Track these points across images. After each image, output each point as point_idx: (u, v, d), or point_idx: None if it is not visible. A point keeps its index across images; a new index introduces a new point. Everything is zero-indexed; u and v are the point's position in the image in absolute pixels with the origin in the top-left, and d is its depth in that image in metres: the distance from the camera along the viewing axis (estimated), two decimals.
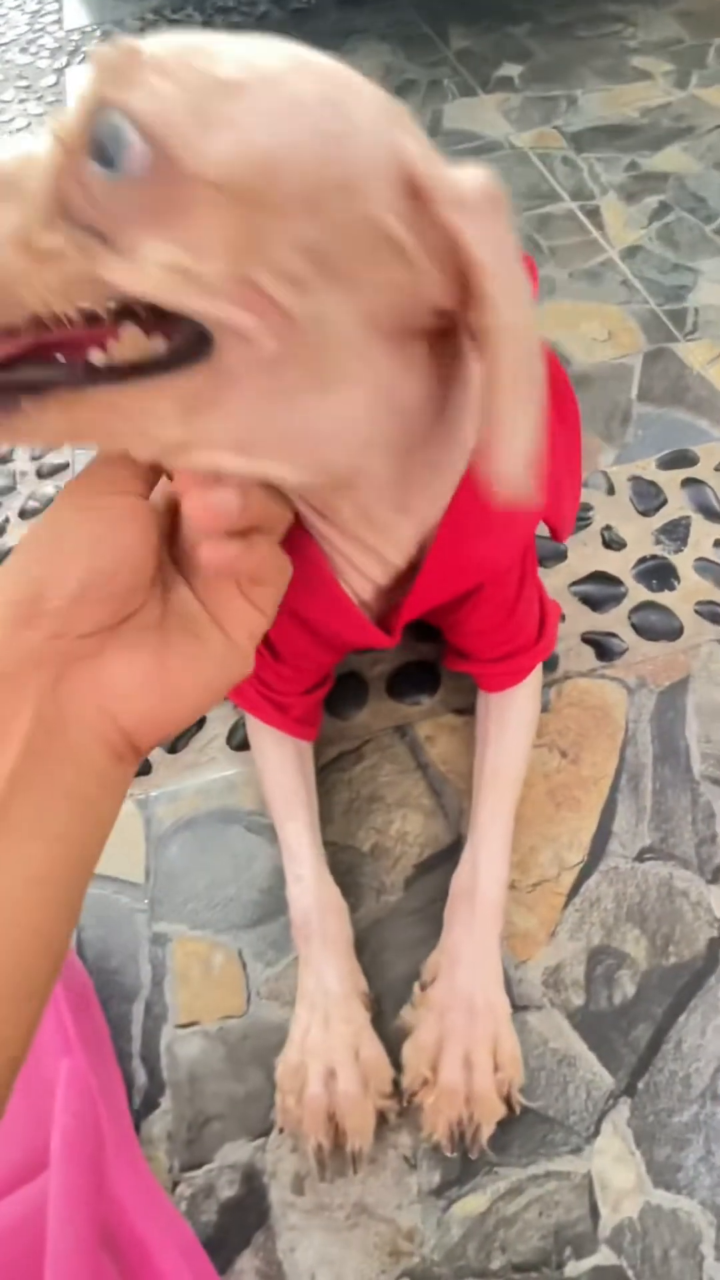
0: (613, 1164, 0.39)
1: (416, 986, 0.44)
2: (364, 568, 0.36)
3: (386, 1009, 0.44)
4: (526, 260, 0.32)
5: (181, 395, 0.23)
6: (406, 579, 0.37)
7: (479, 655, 0.49)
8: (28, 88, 1.31)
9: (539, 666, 0.50)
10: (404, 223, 0.22)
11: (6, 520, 0.72)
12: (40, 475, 0.75)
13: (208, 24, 1.35)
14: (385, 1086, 0.41)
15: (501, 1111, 0.40)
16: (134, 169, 0.20)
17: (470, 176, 0.23)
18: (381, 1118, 0.40)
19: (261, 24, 1.33)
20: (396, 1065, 0.42)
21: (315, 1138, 0.39)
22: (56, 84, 1.30)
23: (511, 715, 0.50)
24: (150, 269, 0.20)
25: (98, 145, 0.20)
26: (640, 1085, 0.41)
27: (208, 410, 0.23)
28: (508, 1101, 0.40)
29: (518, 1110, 0.40)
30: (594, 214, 0.90)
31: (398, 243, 0.22)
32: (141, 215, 0.20)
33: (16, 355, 0.22)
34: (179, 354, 0.22)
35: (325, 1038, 0.41)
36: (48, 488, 0.74)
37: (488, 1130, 0.40)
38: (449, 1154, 0.40)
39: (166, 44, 0.21)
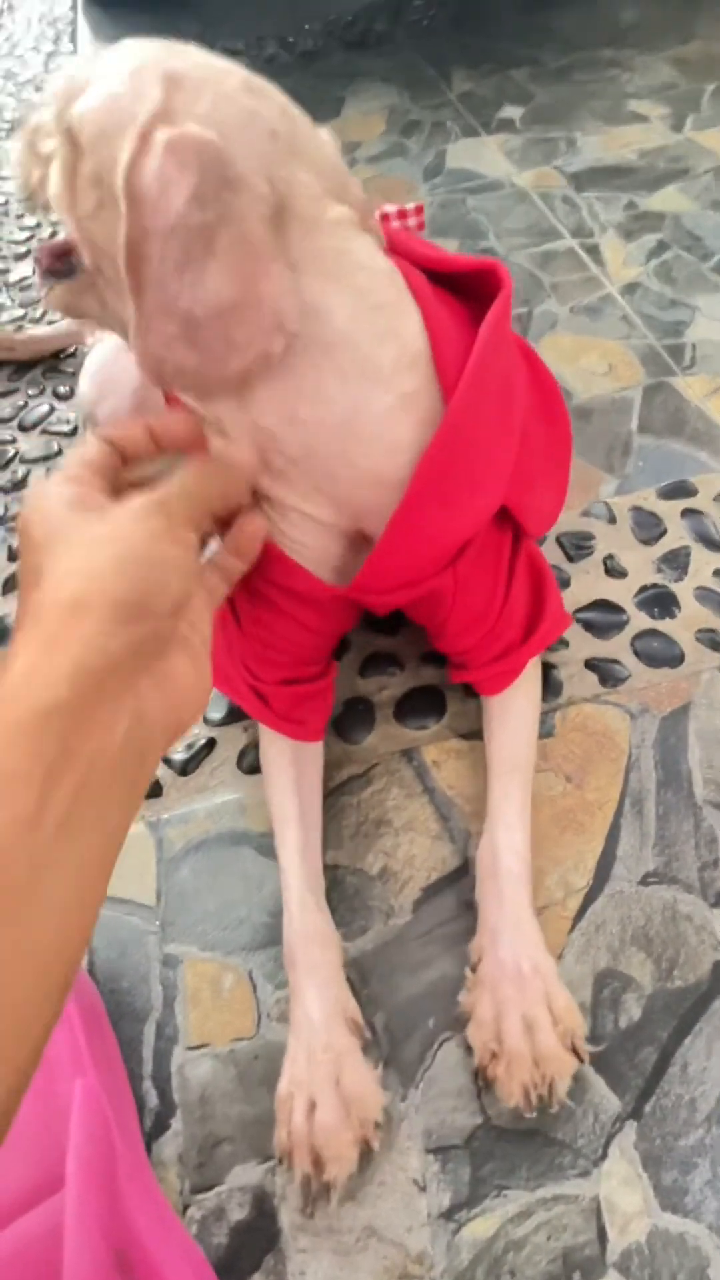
0: (620, 1187, 0.40)
1: (468, 970, 0.45)
2: (304, 531, 0.41)
3: (396, 1032, 0.45)
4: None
5: (82, 289, 0.35)
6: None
7: (472, 661, 0.51)
8: None
9: (536, 662, 0.52)
10: None
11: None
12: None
13: None
14: (370, 1113, 0.41)
15: (572, 1063, 0.41)
16: None
17: None
18: (366, 1145, 0.40)
19: (269, 66, 1.37)
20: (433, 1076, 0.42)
21: (301, 1169, 0.40)
22: None
23: (512, 712, 0.52)
24: None
25: None
26: (647, 1108, 0.42)
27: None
28: (575, 1052, 0.42)
29: (586, 1059, 0.42)
30: (594, 251, 0.93)
31: None
32: None
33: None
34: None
35: (308, 1069, 0.41)
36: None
37: (563, 1085, 0.41)
38: (528, 1115, 0.41)
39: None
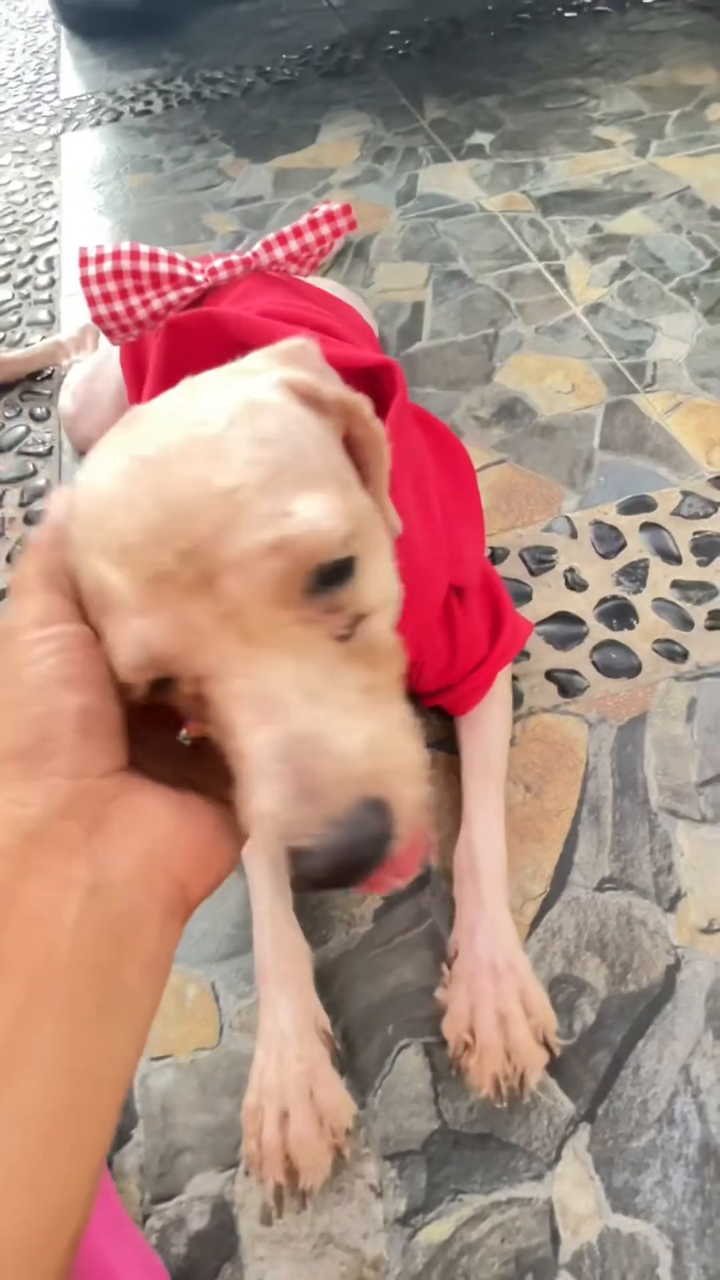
0: (573, 1189, 0.40)
1: (444, 965, 0.46)
2: None
3: (355, 1039, 0.46)
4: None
5: None
6: None
7: (445, 685, 0.52)
8: (24, 153, 1.37)
9: (506, 673, 0.54)
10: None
11: None
12: (28, 521, 0.78)
13: (196, 94, 1.43)
14: (342, 1123, 0.41)
15: (543, 1055, 0.42)
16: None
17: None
18: (339, 1154, 0.41)
19: (247, 95, 1.41)
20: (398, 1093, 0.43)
21: (273, 1179, 0.40)
22: (52, 149, 1.37)
23: (484, 719, 0.53)
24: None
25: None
26: (600, 1111, 0.42)
27: None
28: (546, 1046, 0.43)
29: (557, 1051, 0.43)
30: (559, 273, 0.96)
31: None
32: None
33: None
34: None
35: (279, 1079, 0.42)
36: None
37: (534, 1076, 0.42)
38: (499, 1106, 0.42)
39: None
